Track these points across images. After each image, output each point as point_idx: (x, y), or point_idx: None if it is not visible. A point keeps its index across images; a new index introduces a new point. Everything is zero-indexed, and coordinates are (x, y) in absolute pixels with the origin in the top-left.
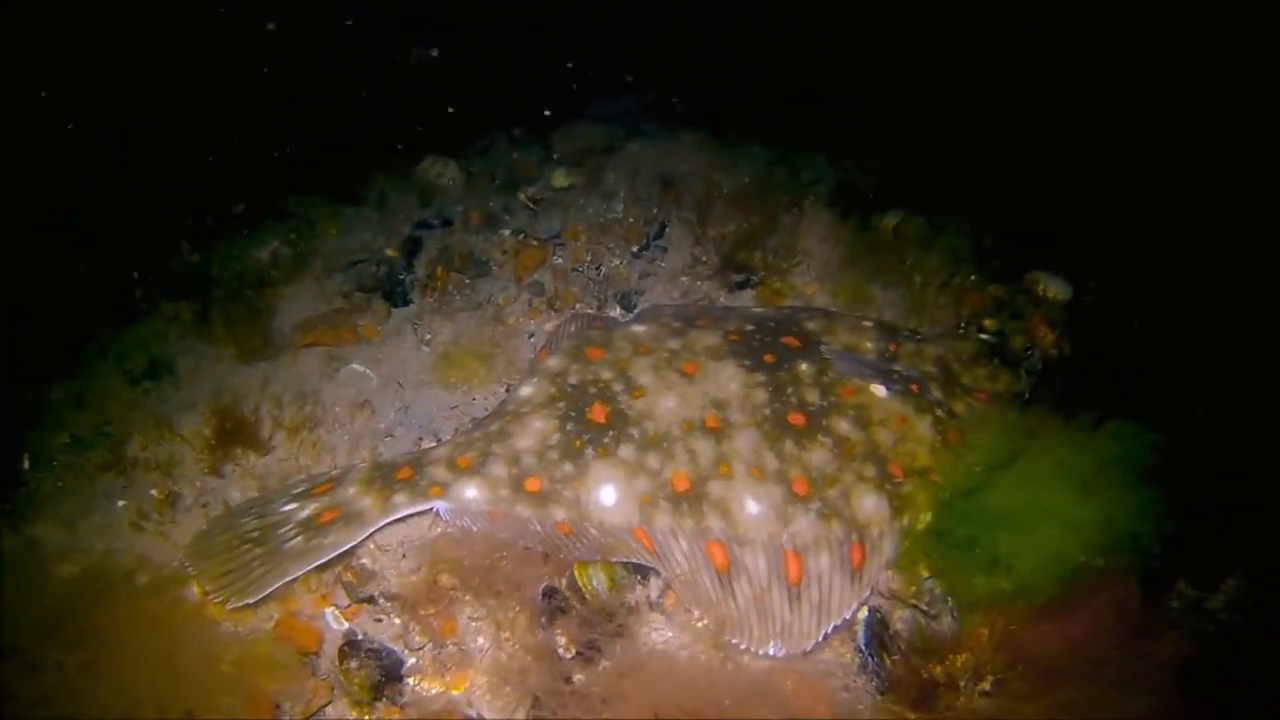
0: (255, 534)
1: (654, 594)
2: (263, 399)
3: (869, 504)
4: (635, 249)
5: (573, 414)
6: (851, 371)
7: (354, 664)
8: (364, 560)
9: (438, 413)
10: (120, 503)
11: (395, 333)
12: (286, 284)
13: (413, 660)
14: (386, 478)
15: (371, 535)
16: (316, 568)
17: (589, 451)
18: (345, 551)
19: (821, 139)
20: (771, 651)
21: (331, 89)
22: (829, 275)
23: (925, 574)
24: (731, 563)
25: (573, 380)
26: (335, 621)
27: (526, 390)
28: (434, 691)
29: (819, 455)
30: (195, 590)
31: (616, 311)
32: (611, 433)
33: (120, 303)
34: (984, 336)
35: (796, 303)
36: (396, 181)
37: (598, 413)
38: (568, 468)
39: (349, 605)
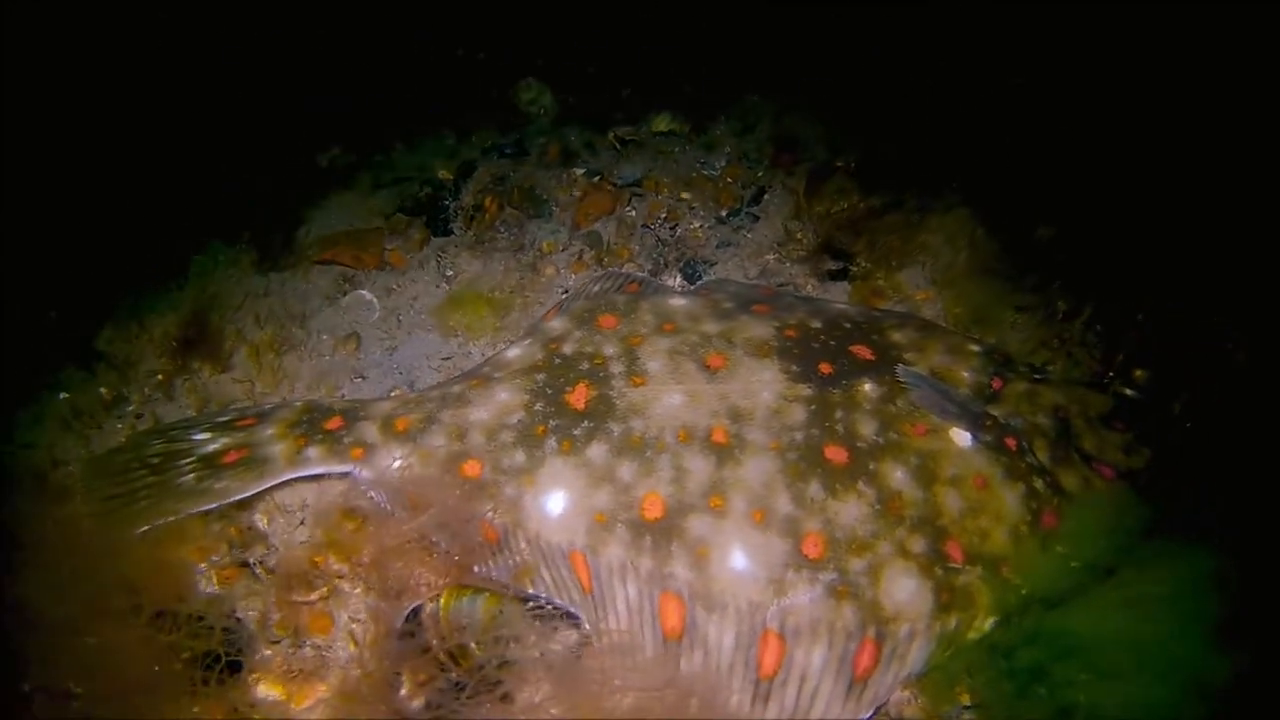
0: (156, 460)
1: (559, 646)
2: (243, 311)
3: (904, 589)
4: (724, 213)
5: (549, 391)
6: (930, 405)
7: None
8: (257, 517)
9: (425, 360)
10: (62, 395)
11: (422, 263)
12: (329, 193)
13: (267, 652)
14: (312, 424)
15: (272, 489)
16: (209, 512)
17: (550, 442)
18: (244, 500)
19: (983, 124)
20: None
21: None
22: (950, 282)
23: (965, 703)
24: (687, 628)
25: (567, 349)
26: (205, 581)
27: (513, 351)
28: (271, 698)
29: (852, 509)
30: None
31: (676, 280)
32: (586, 424)
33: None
34: (1128, 391)
35: (897, 307)
36: (484, 103)
37: (578, 395)
38: (519, 457)
39: (227, 566)
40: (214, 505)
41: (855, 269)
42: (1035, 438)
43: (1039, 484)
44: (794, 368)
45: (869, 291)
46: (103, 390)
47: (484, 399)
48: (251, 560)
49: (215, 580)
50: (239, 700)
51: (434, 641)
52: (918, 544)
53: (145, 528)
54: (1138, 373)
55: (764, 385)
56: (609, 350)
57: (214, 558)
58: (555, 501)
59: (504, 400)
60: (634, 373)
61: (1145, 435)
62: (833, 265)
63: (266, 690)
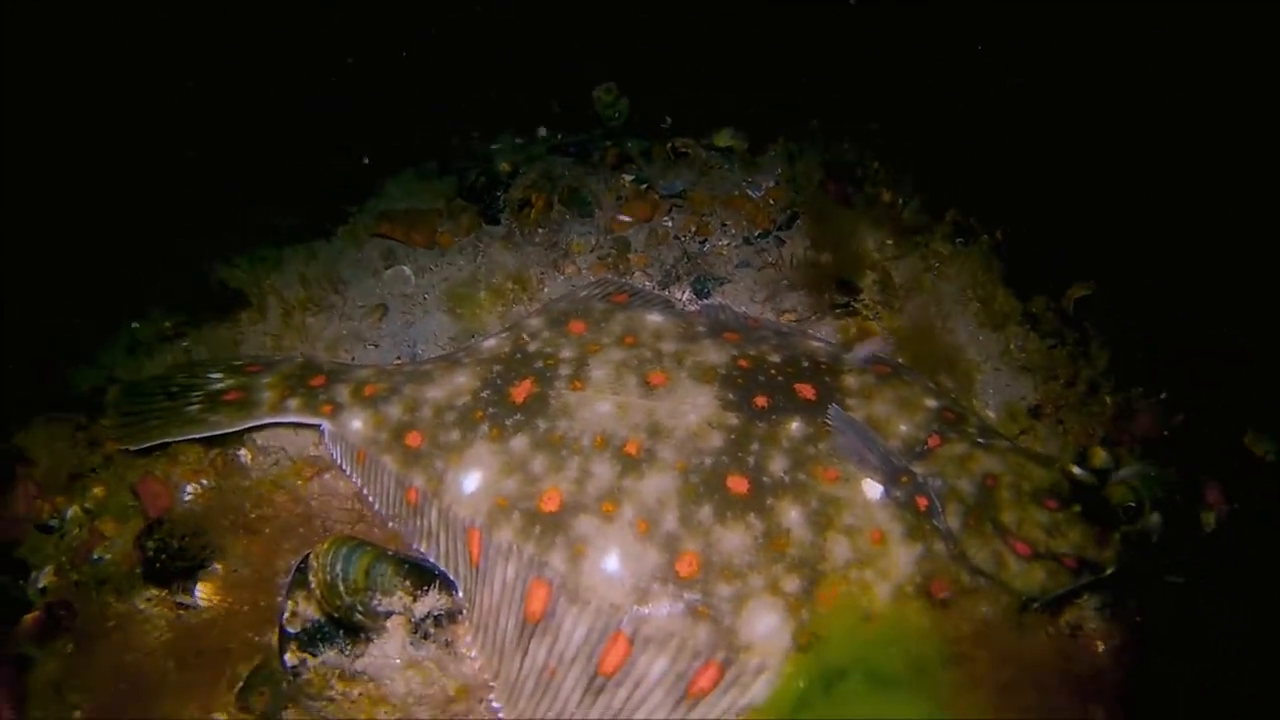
0: (175, 389)
1: (424, 611)
2: (289, 270)
3: (764, 624)
4: (756, 233)
5: (499, 381)
6: (848, 452)
7: (150, 543)
8: (241, 452)
9: (434, 337)
10: (135, 324)
11: (463, 248)
12: (401, 171)
13: (217, 566)
14: (301, 379)
15: (254, 429)
16: (209, 441)
17: (483, 427)
18: (235, 435)
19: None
20: None
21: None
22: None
23: None
24: (546, 615)
25: (531, 347)
26: (191, 499)
27: (489, 341)
28: (206, 602)
29: (735, 538)
30: None
31: (685, 294)
32: (518, 416)
33: None
34: (1076, 470)
35: (884, 350)
36: (566, 102)
37: (521, 390)
38: (454, 435)
39: (211, 488)
40: (204, 434)
41: (857, 304)
42: (950, 501)
43: (939, 548)
44: (730, 396)
45: (859, 331)
46: (167, 324)
47: (444, 380)
48: (224, 488)
49: (199, 501)
50: (178, 596)
51: (311, 579)
52: (792, 583)
53: (149, 444)
54: (1098, 452)
55: (694, 408)
56: (565, 354)
57: (203, 480)
58: (471, 480)
59: (459, 384)
60: (577, 377)
61: (1079, 519)
62: (838, 298)
63: (203, 592)
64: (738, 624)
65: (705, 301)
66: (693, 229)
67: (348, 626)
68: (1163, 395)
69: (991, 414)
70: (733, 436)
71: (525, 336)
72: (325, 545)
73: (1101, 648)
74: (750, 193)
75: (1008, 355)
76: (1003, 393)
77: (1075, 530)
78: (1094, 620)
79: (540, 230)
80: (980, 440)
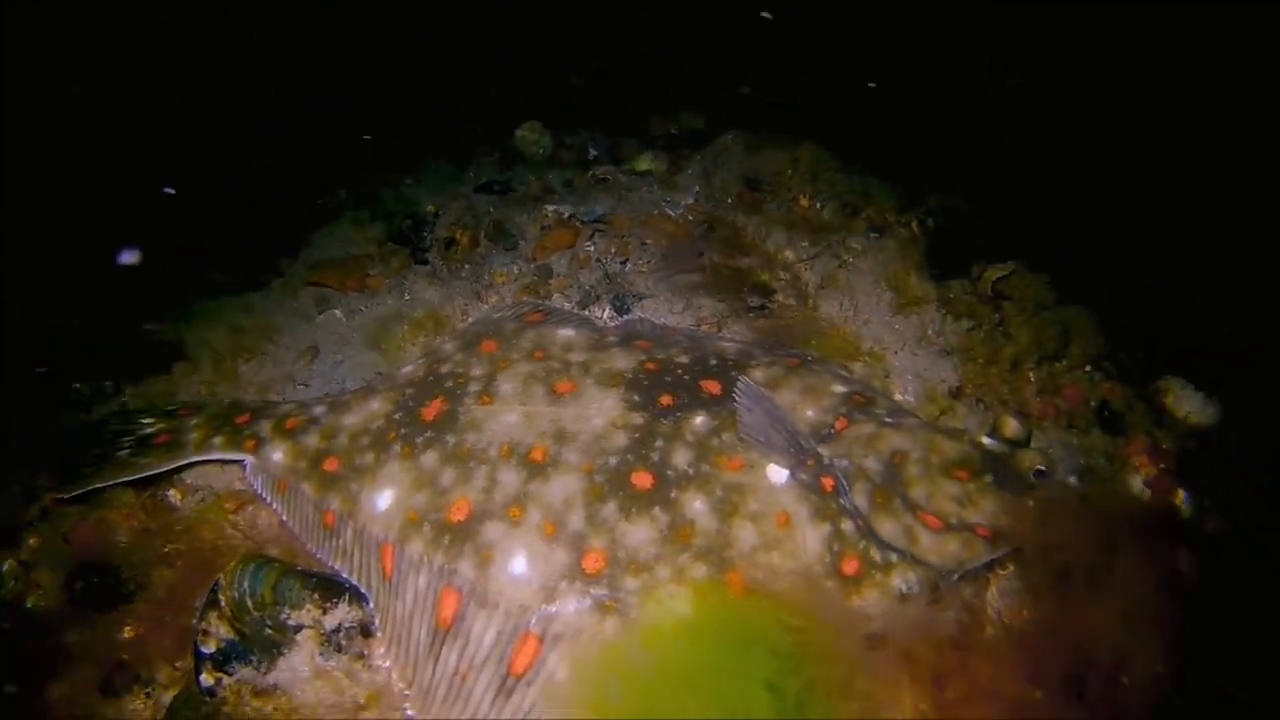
0: (108, 436)
1: (335, 623)
2: (221, 321)
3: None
4: (676, 248)
5: (411, 403)
6: (755, 431)
7: (80, 584)
8: (170, 493)
9: (361, 373)
10: (76, 385)
11: (392, 288)
12: (335, 220)
13: (140, 599)
14: (227, 417)
15: (184, 469)
16: (141, 483)
17: (396, 447)
18: (165, 476)
19: (954, 160)
20: None
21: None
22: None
23: None
24: (457, 621)
25: (444, 369)
26: (120, 540)
27: (406, 368)
28: (130, 634)
29: (640, 532)
30: None
31: (606, 311)
32: (428, 434)
33: None
34: (986, 441)
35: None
36: (491, 143)
37: (431, 409)
38: (368, 458)
39: (139, 528)
40: (133, 476)
41: (771, 305)
42: (857, 480)
43: (847, 527)
44: (636, 397)
45: (772, 329)
46: (107, 382)
47: (360, 407)
48: (153, 528)
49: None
50: (108, 632)
51: (221, 598)
52: (699, 570)
53: (81, 491)
54: (1008, 422)
55: (599, 412)
56: (475, 371)
57: (134, 522)
58: (383, 498)
59: (374, 409)
60: (486, 392)
61: (990, 488)
62: (753, 301)
63: (128, 624)
64: (645, 615)
65: (626, 317)
66: (613, 250)
67: (260, 643)
68: (1087, 368)
69: (911, 399)
70: (637, 435)
71: (438, 360)
72: (233, 564)
73: (1025, 615)
74: (670, 211)
75: (925, 340)
76: (922, 377)
77: (987, 499)
78: (1016, 589)
79: (466, 265)
80: (888, 420)
